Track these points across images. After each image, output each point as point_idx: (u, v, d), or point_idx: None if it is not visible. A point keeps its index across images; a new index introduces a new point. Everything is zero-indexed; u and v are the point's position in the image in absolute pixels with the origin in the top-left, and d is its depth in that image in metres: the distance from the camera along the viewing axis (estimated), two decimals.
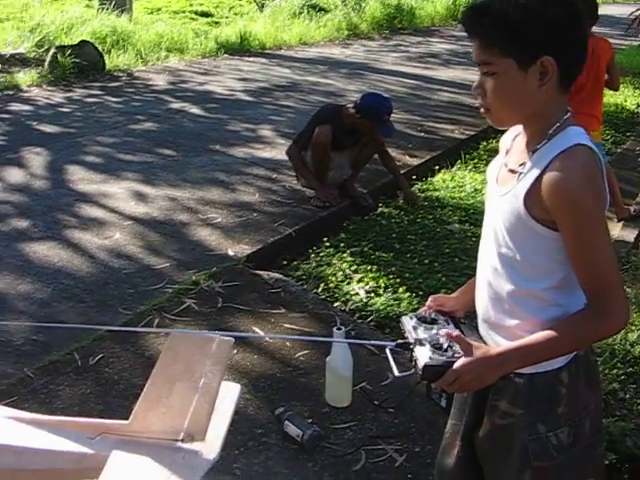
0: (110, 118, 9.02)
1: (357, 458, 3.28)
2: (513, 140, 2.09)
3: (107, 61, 11.86)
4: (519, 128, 2.05)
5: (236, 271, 4.87)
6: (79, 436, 2.32)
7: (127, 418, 2.29)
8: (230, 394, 2.52)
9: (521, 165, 1.97)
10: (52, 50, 11.16)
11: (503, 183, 2.03)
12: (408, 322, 2.10)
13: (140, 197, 6.22)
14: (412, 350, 1.99)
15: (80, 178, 6.71)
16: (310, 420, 3.44)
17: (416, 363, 1.96)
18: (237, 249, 5.19)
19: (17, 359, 3.85)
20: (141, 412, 2.26)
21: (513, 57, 1.87)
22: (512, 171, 2.01)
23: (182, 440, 2.23)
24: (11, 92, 10.30)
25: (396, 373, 2.01)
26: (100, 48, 11.91)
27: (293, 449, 3.29)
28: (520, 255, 1.96)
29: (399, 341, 2.04)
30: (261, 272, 4.90)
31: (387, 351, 2.08)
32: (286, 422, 3.35)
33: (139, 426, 2.26)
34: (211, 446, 2.25)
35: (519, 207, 1.92)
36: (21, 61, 11.73)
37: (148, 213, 5.86)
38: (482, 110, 1.99)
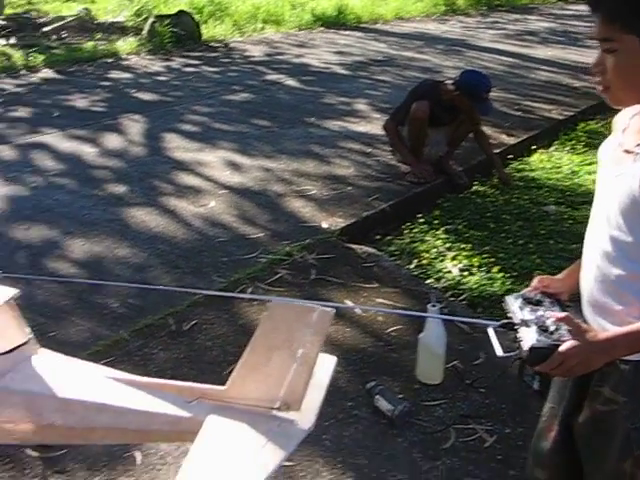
0: (207, 88, 9.11)
1: (446, 436, 3.25)
2: (630, 119, 2.02)
3: (203, 31, 11.94)
4: (637, 108, 1.98)
5: (330, 244, 4.87)
6: (176, 399, 2.34)
7: (219, 384, 2.31)
8: (326, 365, 2.52)
9: (638, 145, 1.91)
10: (151, 19, 11.30)
11: (618, 163, 1.96)
12: (513, 302, 2.05)
13: (235, 167, 6.26)
14: (517, 331, 1.95)
15: (176, 146, 6.79)
16: (400, 396, 3.42)
17: (520, 344, 1.92)
18: (331, 222, 5.18)
19: (113, 321, 3.92)
20: (239, 379, 2.27)
21: (636, 34, 1.80)
22: (628, 151, 1.94)
23: (278, 408, 2.23)
24: (111, 60, 10.48)
25: (499, 353, 1.96)
26: (197, 18, 11.99)
27: (383, 424, 3.28)
28: (632, 238, 1.90)
29: (504, 321, 2.00)
30: (354, 246, 4.88)
31: (490, 330, 2.03)
32: (377, 396, 3.33)
33: (236, 392, 2.27)
34: (306, 416, 2.25)
35: (634, 188, 1.85)
36: (120, 29, 11.91)
37: (243, 183, 5.89)
38: (600, 88, 1.93)
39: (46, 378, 2.45)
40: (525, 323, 1.94)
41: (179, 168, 6.19)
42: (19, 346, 2.54)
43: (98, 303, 4.07)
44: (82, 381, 2.45)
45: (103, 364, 3.19)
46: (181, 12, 11.60)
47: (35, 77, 9.60)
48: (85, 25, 11.84)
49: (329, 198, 5.63)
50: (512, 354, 1.93)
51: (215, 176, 6.02)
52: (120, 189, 5.72)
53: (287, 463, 2.92)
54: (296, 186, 5.86)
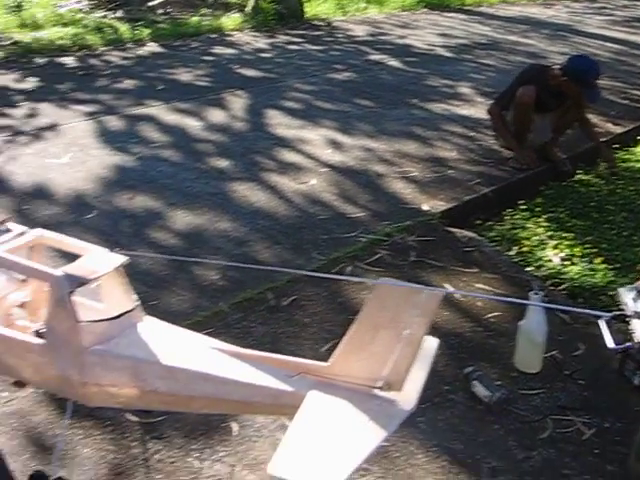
0: (310, 66, 9.12)
1: (544, 426, 3.20)
2: None
3: (306, 9, 11.95)
4: None
5: (430, 226, 4.83)
6: (278, 373, 2.36)
7: (317, 361, 2.31)
8: (428, 347, 2.50)
9: None
10: None
11: None
12: (627, 294, 2.00)
13: (336, 145, 6.25)
14: (629, 323, 1.90)
15: (278, 122, 6.82)
16: (498, 383, 3.37)
17: (633, 337, 1.87)
18: (432, 204, 5.14)
19: (213, 293, 3.97)
20: (342, 356, 2.27)
21: None
22: None
23: (380, 388, 2.23)
24: (215, 35, 10.58)
25: (611, 345, 1.92)
26: None
27: (479, 409, 3.25)
28: None
29: (616, 312, 1.95)
30: (455, 230, 4.83)
31: (601, 322, 1.98)
32: (474, 382, 3.30)
33: (339, 369, 2.27)
34: (408, 397, 2.24)
35: None
36: (224, 5, 12.00)
37: (344, 162, 5.89)
38: None
39: (151, 345, 2.49)
40: (638, 315, 1.89)
41: (281, 145, 6.22)
42: (126, 312, 2.59)
43: (199, 275, 4.12)
44: (186, 349, 2.48)
45: (203, 335, 3.25)
46: None
47: (141, 50, 9.75)
48: (190, 0, 11.95)
49: (430, 180, 5.58)
50: (624, 346, 1.89)
51: (316, 154, 6.02)
52: (222, 163, 5.78)
53: (382, 443, 2.91)
54: (397, 167, 5.82)
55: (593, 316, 1.92)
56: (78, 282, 2.48)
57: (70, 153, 5.89)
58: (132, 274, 3.82)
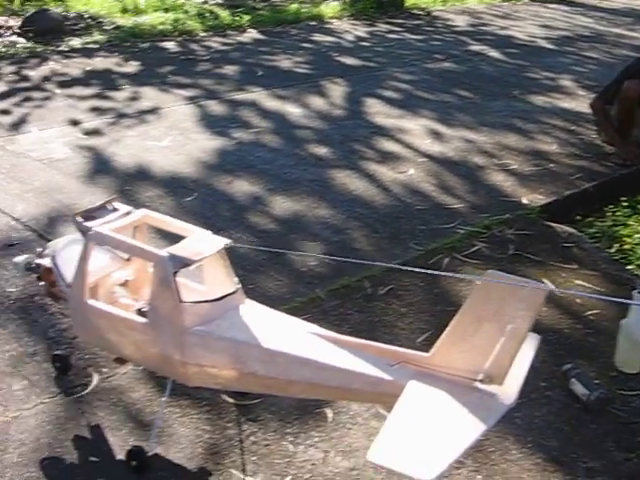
0: (409, 55, 9.08)
1: None
2: None
3: None
4: None
5: (529, 220, 4.76)
6: (378, 361, 2.35)
7: (418, 351, 2.30)
8: (530, 343, 2.46)
9: None
10: None
11: None
12: None
13: (436, 136, 6.21)
14: None
15: (377, 111, 6.81)
16: (596, 382, 3.30)
17: None
18: (531, 198, 5.06)
19: (310, 279, 3.98)
20: (444, 347, 2.24)
21: None
22: None
23: (480, 380, 2.20)
24: (314, 23, 10.60)
25: None
26: None
27: (576, 408, 3.18)
28: None
29: None
30: (554, 224, 4.74)
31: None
32: (573, 380, 3.23)
33: (440, 360, 2.25)
34: (508, 391, 2.21)
35: None
36: None
37: (443, 152, 5.84)
38: None
39: (252, 328, 2.51)
40: None
41: (379, 133, 6.20)
42: (228, 295, 2.61)
43: (296, 260, 4.14)
44: (286, 334, 2.50)
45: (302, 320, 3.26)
46: None
47: (241, 37, 9.83)
48: None
49: (530, 174, 5.49)
50: None
51: (415, 144, 5.99)
52: (321, 150, 5.79)
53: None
54: (497, 159, 5.74)
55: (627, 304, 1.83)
56: (182, 263, 2.51)
57: (170, 136, 5.98)
58: (231, 257, 3.89)
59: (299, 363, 2.39)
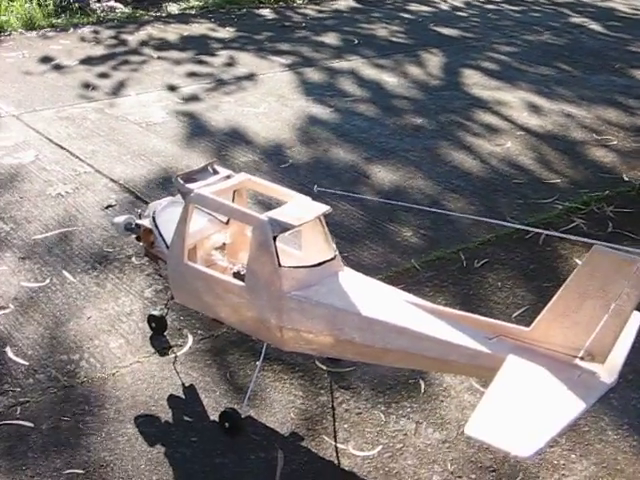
0: (507, 26, 8.91)
1: None
2: None
3: None
4: None
5: (630, 198, 4.63)
6: (476, 333, 2.31)
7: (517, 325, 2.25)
8: (633, 321, 2.39)
9: None
10: None
11: None
12: None
13: (534, 109, 6.08)
14: None
15: (474, 82, 6.70)
16: None
17: None
18: (632, 175, 4.92)
19: (405, 249, 3.95)
20: (545, 322, 2.19)
21: None
22: None
23: (581, 358, 2.14)
24: None
25: None
26: None
27: None
28: None
29: None
30: None
31: None
32: None
33: (540, 335, 2.21)
34: (610, 370, 2.15)
35: None
36: None
37: (542, 126, 5.72)
38: None
39: (350, 295, 2.50)
40: None
41: (476, 105, 6.11)
42: (326, 261, 2.60)
43: (392, 230, 4.11)
44: (385, 303, 2.48)
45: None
46: None
47: (336, 4, 9.77)
48: None
49: (631, 150, 5.34)
50: None
51: (513, 116, 5.88)
52: (417, 120, 5.73)
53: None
54: (597, 135, 5.60)
55: None
56: (282, 227, 2.51)
57: (266, 103, 5.99)
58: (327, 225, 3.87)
59: (397, 332, 2.37)
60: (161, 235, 2.87)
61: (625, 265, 2.04)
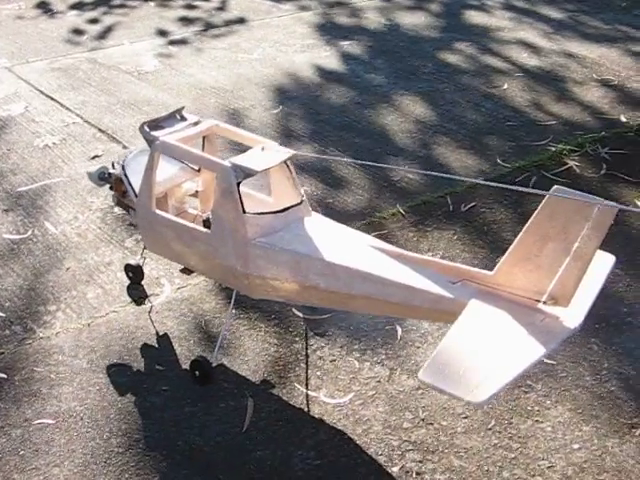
0: None
1: None
2: None
3: None
4: None
5: (626, 139, 4.55)
6: (440, 278, 2.27)
7: (491, 270, 2.21)
8: (603, 264, 2.35)
9: None
10: None
11: None
12: None
13: (534, 49, 5.97)
14: None
15: (476, 24, 6.56)
16: None
17: None
18: (630, 115, 4.82)
19: (391, 195, 3.90)
20: (507, 266, 2.15)
21: None
22: None
23: (544, 302, 2.10)
24: None
25: None
26: None
27: None
28: None
29: None
30: None
31: None
32: None
33: (502, 279, 2.17)
34: (574, 314, 2.11)
35: None
36: None
37: (541, 67, 5.61)
38: None
39: (315, 241, 2.47)
40: None
41: (475, 46, 5.98)
42: (292, 207, 2.56)
43: (378, 176, 4.05)
44: (349, 248, 2.44)
45: (376, 236, 3.20)
46: None
47: None
48: None
49: (632, 90, 5.22)
50: None
51: (512, 57, 5.76)
52: (413, 63, 5.64)
53: (547, 361, 2.80)
54: (597, 75, 5.48)
55: None
56: (245, 173, 2.47)
57: (261, 49, 5.90)
58: (311, 171, 3.84)
59: (360, 278, 2.33)
60: (130, 184, 2.83)
61: (585, 207, 1.98)
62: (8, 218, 3.69)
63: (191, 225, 2.64)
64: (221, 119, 4.52)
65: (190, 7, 6.99)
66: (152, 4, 7.07)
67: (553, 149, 4.37)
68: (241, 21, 6.56)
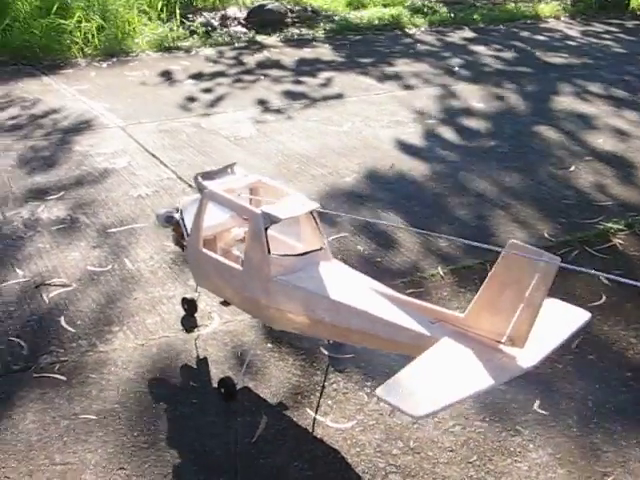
0: (618, 55, 8.98)
1: None
2: None
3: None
4: None
5: None
6: (422, 318, 2.63)
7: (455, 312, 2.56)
8: (576, 319, 2.66)
9: None
10: None
11: None
12: None
13: (611, 135, 6.24)
14: None
15: (560, 109, 6.88)
16: None
17: None
18: None
19: (436, 258, 4.25)
20: (475, 309, 2.50)
21: None
22: None
23: (504, 343, 2.43)
24: (530, 21, 10.67)
25: None
26: None
27: None
28: None
29: None
30: None
31: None
32: None
33: (471, 322, 2.51)
34: (529, 356, 2.42)
35: None
36: None
37: (612, 152, 5.89)
38: None
39: (325, 281, 2.87)
40: None
41: (556, 129, 6.31)
42: (312, 251, 2.97)
43: (427, 241, 4.41)
44: (352, 289, 2.83)
45: (412, 293, 3.56)
46: None
47: (453, 33, 10.07)
48: None
49: None
50: None
51: (588, 141, 6.06)
52: (488, 143, 6.01)
53: (541, 411, 3.09)
54: None
55: None
56: (272, 220, 2.89)
57: (350, 122, 6.38)
58: (368, 233, 4.23)
59: (357, 314, 2.70)
60: (185, 226, 3.30)
61: (535, 260, 2.32)
62: (95, 253, 4.22)
63: (228, 262, 3.08)
64: (299, 182, 5.02)
65: (297, 82, 7.56)
66: (263, 78, 7.68)
67: (601, 227, 4.63)
68: (339, 97, 7.07)
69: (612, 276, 2.17)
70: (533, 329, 2.39)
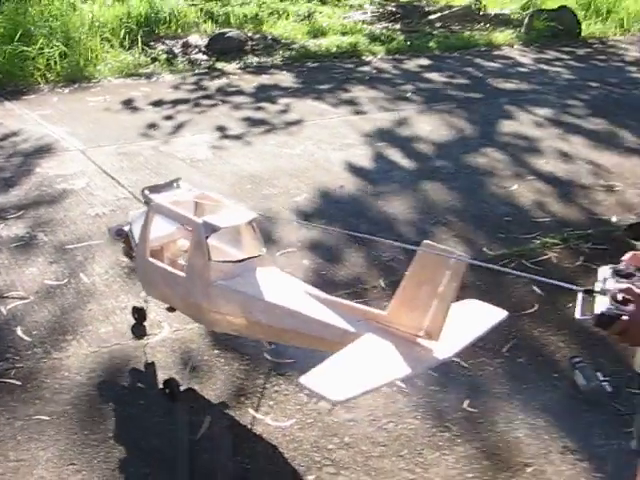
0: (566, 81, 9.28)
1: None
2: None
3: (584, 28, 11.97)
4: None
5: (610, 237, 4.98)
6: (348, 316, 2.84)
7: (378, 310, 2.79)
8: (493, 317, 2.89)
9: None
10: (529, 12, 11.64)
11: None
12: (603, 272, 2.21)
13: (559, 155, 6.54)
14: (594, 298, 2.11)
15: (508, 132, 7.17)
16: (606, 378, 3.51)
17: (593, 311, 2.08)
18: (622, 217, 5.29)
19: (378, 271, 4.47)
20: (395, 306, 2.72)
21: None
22: None
23: (421, 336, 2.65)
24: (483, 49, 10.98)
25: (577, 315, 2.13)
26: (580, 15, 12.08)
27: (578, 398, 3.45)
28: None
29: (587, 287, 2.18)
30: (638, 243, 4.93)
31: (579, 295, 2.20)
32: (576, 371, 3.54)
33: (393, 318, 2.72)
34: (444, 348, 2.64)
35: None
36: (504, 22, 12.28)
37: (553, 172, 6.14)
38: None
39: (261, 285, 3.08)
40: (604, 292, 2.12)
41: (503, 152, 6.60)
42: (249, 258, 3.18)
43: (371, 254, 4.63)
44: (286, 292, 3.04)
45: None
46: (563, 7, 11.76)
47: (409, 61, 10.34)
48: (470, 15, 12.38)
49: (632, 195, 5.70)
50: (586, 317, 2.10)
51: (527, 162, 6.33)
52: (436, 163, 6.26)
53: (470, 409, 3.29)
54: (605, 181, 5.98)
55: (569, 290, 2.13)
56: (212, 229, 3.10)
57: (303, 145, 6.62)
58: (315, 248, 4.42)
59: (290, 315, 2.91)
60: (133, 238, 3.50)
61: (447, 258, 2.55)
62: (52, 268, 4.41)
63: (172, 270, 3.28)
64: (251, 201, 5.23)
65: (258, 109, 7.79)
66: (221, 104, 7.92)
67: (538, 242, 4.88)
68: (297, 122, 7.30)
69: (528, 275, 2.34)
70: (452, 325, 2.61)
